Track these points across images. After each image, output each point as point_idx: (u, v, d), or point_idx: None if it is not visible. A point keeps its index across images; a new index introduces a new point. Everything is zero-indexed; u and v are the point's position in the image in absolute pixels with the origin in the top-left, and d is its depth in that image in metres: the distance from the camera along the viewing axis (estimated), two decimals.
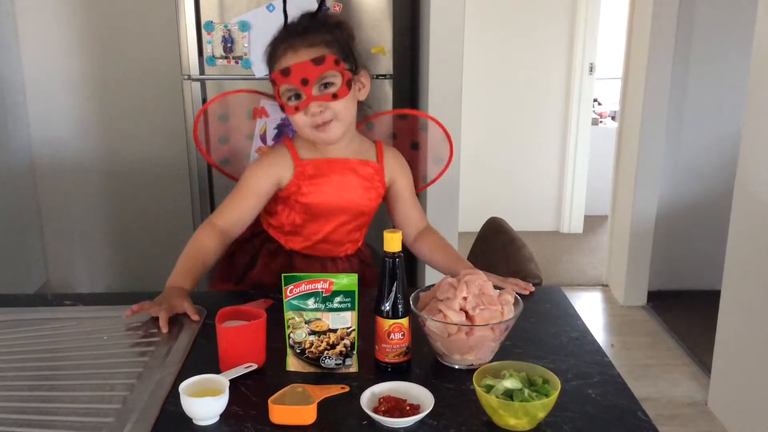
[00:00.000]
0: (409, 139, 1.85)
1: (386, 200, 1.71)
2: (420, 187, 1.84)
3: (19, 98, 3.24)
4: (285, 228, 1.65)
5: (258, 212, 1.62)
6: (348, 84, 1.52)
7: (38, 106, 3.30)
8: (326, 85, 1.50)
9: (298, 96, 1.51)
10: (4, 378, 1.23)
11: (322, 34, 1.52)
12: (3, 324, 1.42)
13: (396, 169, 1.68)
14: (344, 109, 1.53)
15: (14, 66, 3.21)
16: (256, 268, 1.67)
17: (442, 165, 1.84)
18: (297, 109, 1.51)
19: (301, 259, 1.66)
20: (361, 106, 1.63)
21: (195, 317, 1.39)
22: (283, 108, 1.55)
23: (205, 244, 1.54)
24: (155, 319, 1.38)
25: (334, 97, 1.50)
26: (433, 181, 1.86)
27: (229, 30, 2.54)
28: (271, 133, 2.12)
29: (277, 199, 1.63)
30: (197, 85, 2.62)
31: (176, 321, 1.40)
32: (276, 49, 1.54)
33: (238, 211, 1.59)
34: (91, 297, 1.58)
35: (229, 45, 2.56)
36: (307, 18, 1.56)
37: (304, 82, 1.48)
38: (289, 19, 1.60)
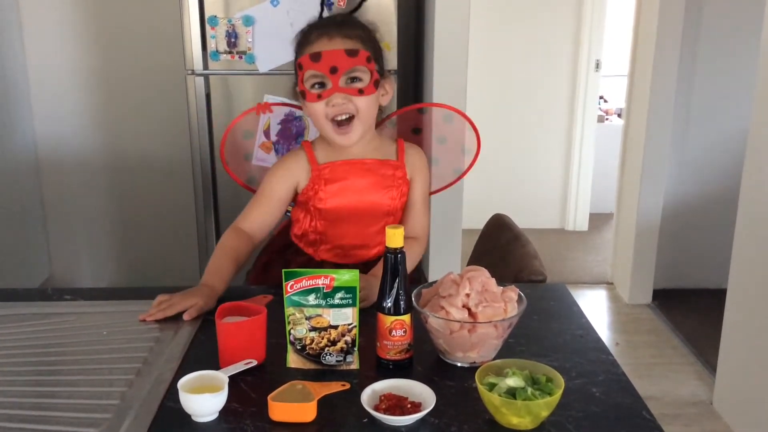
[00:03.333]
0: (430, 133, 1.82)
1: None
2: (437, 188, 1.82)
3: (23, 93, 3.23)
4: (310, 237, 1.64)
5: (281, 215, 1.62)
6: (375, 84, 1.51)
7: (42, 101, 3.29)
8: (353, 80, 1.49)
9: (321, 85, 1.49)
10: (2, 373, 1.22)
11: (359, 30, 1.52)
12: (2, 318, 1.41)
13: (416, 169, 1.65)
14: (367, 107, 1.51)
15: (18, 61, 3.20)
16: None
17: (470, 155, 1.82)
18: (320, 97, 1.48)
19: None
20: (379, 112, 1.62)
21: (186, 317, 1.37)
22: (303, 95, 1.51)
23: (232, 244, 1.54)
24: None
25: (360, 92, 1.49)
26: (464, 173, 1.84)
27: (233, 24, 2.53)
28: (274, 129, 2.11)
29: (299, 205, 1.62)
30: (201, 80, 2.61)
31: (175, 316, 1.38)
32: (309, 34, 1.51)
33: (258, 215, 1.60)
34: (91, 292, 1.57)
35: (233, 40, 2.54)
36: (345, 14, 1.55)
37: (333, 70, 1.46)
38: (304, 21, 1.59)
